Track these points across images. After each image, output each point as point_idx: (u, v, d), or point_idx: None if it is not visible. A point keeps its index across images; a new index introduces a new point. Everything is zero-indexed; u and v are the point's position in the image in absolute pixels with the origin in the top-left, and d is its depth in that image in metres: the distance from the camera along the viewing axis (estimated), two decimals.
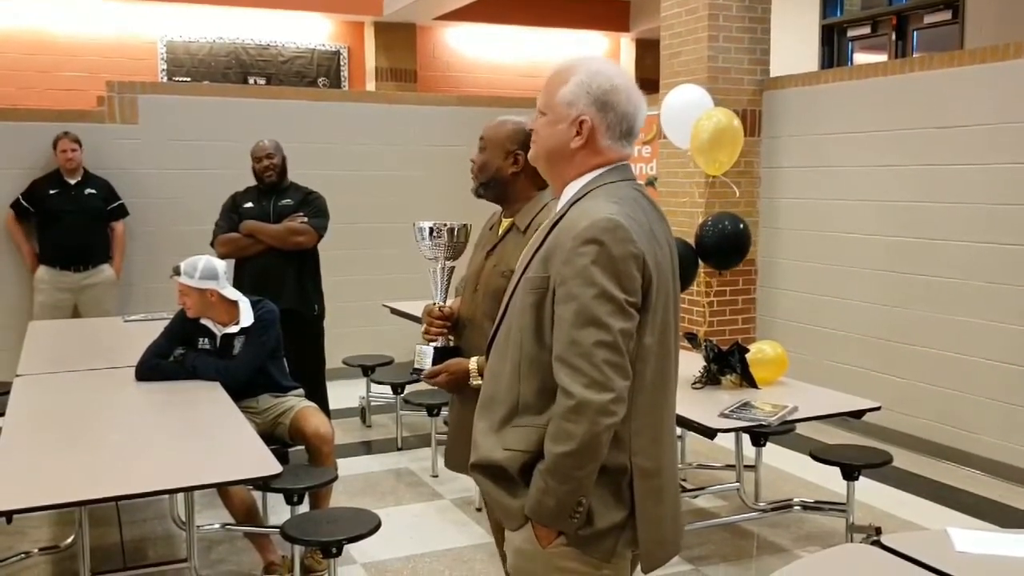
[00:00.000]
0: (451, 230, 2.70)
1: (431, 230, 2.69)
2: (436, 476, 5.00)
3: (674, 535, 2.02)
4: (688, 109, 4.88)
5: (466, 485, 4.78)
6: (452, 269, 2.74)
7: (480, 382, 2.43)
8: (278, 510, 3.95)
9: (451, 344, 2.64)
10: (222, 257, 4.60)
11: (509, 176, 2.61)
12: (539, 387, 1.89)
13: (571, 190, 1.99)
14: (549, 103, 2.00)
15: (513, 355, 1.94)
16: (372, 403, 6.10)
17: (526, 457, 1.88)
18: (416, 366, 2.65)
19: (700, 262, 4.49)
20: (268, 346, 4.01)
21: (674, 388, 2.04)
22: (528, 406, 1.90)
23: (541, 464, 1.84)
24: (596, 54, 9.90)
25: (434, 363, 2.58)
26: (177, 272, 3.93)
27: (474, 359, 2.49)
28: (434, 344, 2.63)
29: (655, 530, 1.94)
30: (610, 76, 1.95)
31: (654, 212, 1.99)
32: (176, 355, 3.90)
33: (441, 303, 2.70)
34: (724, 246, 4.47)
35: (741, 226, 4.53)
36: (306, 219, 4.97)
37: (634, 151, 2.05)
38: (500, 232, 2.64)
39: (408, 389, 5.51)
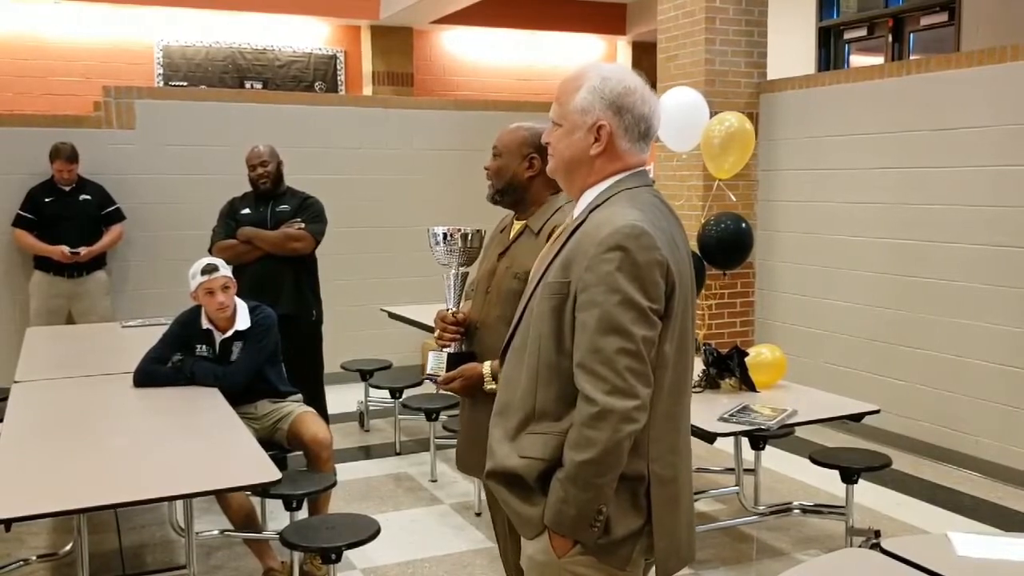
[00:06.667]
0: (464, 235, 2.69)
1: (445, 235, 2.68)
2: (435, 481, 4.99)
3: (688, 543, 2.01)
4: (683, 112, 4.88)
5: (465, 489, 4.77)
6: (465, 275, 2.73)
7: (494, 387, 2.42)
8: (277, 515, 3.94)
9: (464, 349, 2.64)
10: None
11: (525, 180, 2.61)
12: (557, 393, 1.88)
13: (589, 196, 1.98)
14: (563, 113, 1.98)
15: (530, 361, 1.92)
16: (370, 408, 6.09)
17: (543, 465, 1.87)
18: (429, 372, 2.64)
19: (706, 267, 4.50)
20: (266, 351, 4.01)
21: (689, 395, 2.04)
22: (545, 412, 1.89)
23: (560, 472, 1.83)
24: (597, 60, 9.91)
25: (448, 369, 2.58)
26: (214, 269, 3.90)
27: (487, 364, 2.49)
28: (447, 350, 2.63)
29: (671, 538, 1.93)
30: (622, 79, 1.94)
31: (673, 219, 1.98)
32: (174, 361, 3.89)
33: (454, 308, 2.69)
34: (727, 245, 4.47)
35: (743, 225, 4.54)
36: (303, 225, 4.97)
37: (649, 155, 2.03)
38: (512, 234, 2.64)
39: (406, 393, 5.50)
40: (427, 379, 2.67)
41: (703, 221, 4.77)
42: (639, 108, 1.94)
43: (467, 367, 2.54)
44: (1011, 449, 4.90)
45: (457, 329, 2.64)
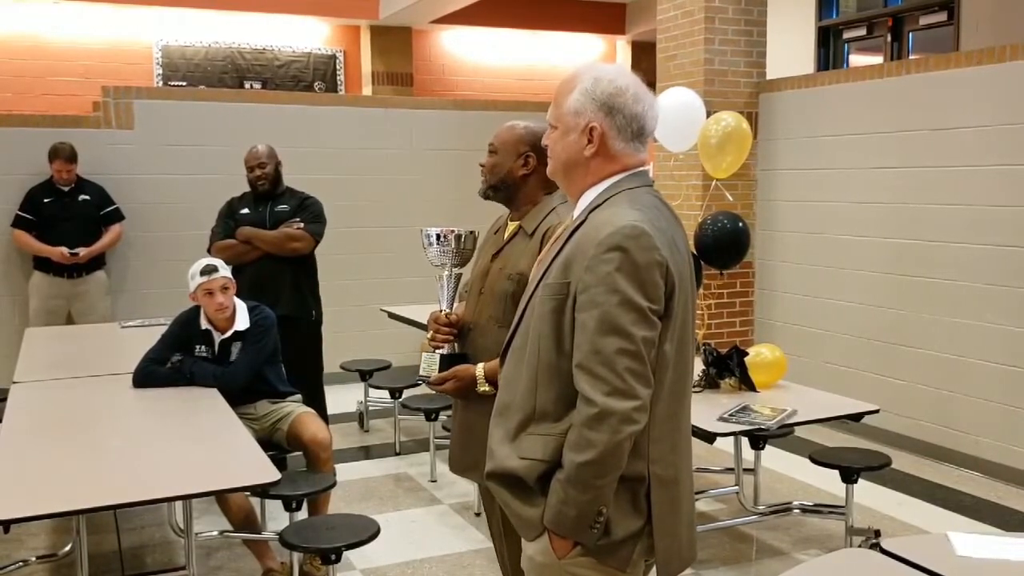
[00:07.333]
0: (458, 236, 2.69)
1: (438, 236, 2.68)
2: (434, 481, 4.99)
3: (690, 543, 2.01)
4: (679, 112, 4.88)
5: (465, 490, 4.77)
6: (459, 276, 2.73)
7: (486, 388, 2.43)
8: (277, 516, 3.94)
9: (457, 351, 2.64)
10: None
11: (520, 178, 2.61)
12: (557, 394, 1.88)
13: (588, 197, 1.98)
14: (558, 115, 1.99)
15: (530, 362, 1.92)
16: (370, 408, 6.09)
17: (543, 466, 1.87)
18: (422, 373, 2.64)
19: (704, 267, 4.49)
20: (266, 351, 4.00)
21: (690, 395, 2.03)
22: (545, 414, 1.89)
23: (560, 473, 1.83)
24: (595, 60, 9.90)
25: (441, 370, 2.58)
26: (214, 269, 3.90)
27: (480, 365, 2.49)
28: (440, 351, 2.62)
29: (672, 539, 1.93)
30: (613, 79, 1.94)
31: (673, 219, 1.98)
32: (173, 361, 3.89)
33: (448, 310, 2.69)
34: (724, 245, 4.47)
35: (740, 224, 4.53)
36: (303, 225, 4.97)
37: (648, 154, 2.03)
38: (506, 235, 2.64)
39: (406, 394, 5.50)
40: (420, 380, 2.67)
41: (700, 220, 4.77)
42: (631, 108, 1.93)
43: (460, 368, 2.54)
44: (1011, 449, 4.90)
45: (450, 330, 2.64)
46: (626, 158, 1.97)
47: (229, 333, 3.94)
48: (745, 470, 4.40)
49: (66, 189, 6.21)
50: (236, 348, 3.94)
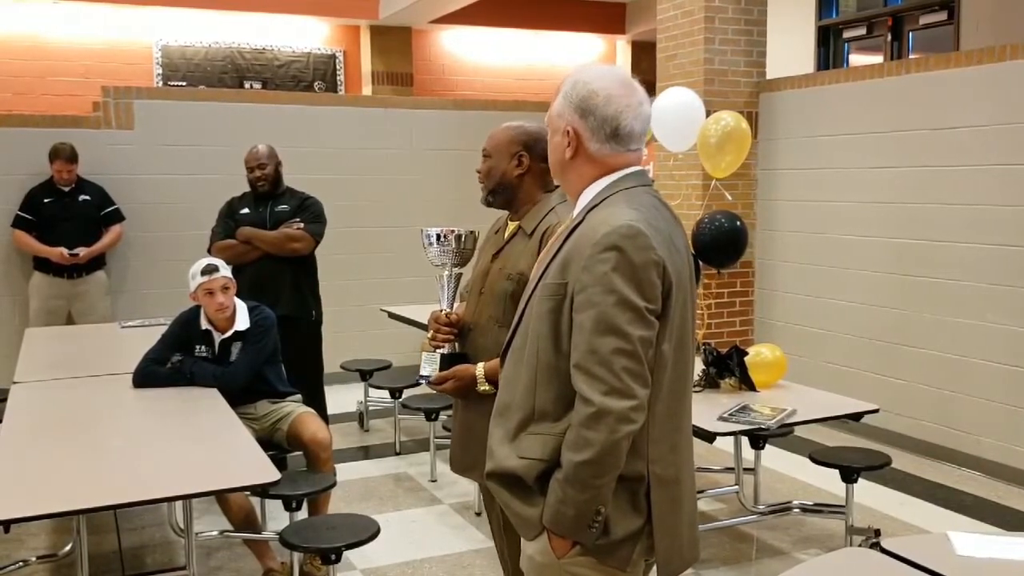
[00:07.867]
0: (458, 236, 2.69)
1: (438, 236, 2.69)
2: (435, 481, 4.99)
3: (691, 543, 2.01)
4: (679, 111, 4.88)
5: (465, 490, 4.77)
6: (459, 276, 2.73)
7: (486, 388, 2.43)
8: (277, 516, 3.94)
9: (457, 350, 2.64)
10: None
11: (515, 179, 2.60)
12: (556, 394, 1.88)
13: (587, 196, 1.99)
14: (549, 117, 2.03)
15: (530, 362, 1.93)
16: (370, 408, 6.09)
17: (542, 466, 1.87)
18: (423, 372, 2.65)
19: (703, 267, 4.49)
20: (266, 351, 4.00)
21: (690, 395, 2.03)
22: (545, 413, 1.89)
23: (559, 473, 1.83)
24: (593, 61, 9.89)
25: (441, 370, 2.58)
26: (214, 269, 3.89)
27: (480, 365, 2.50)
28: (441, 351, 2.63)
29: (672, 539, 1.93)
30: (589, 81, 1.95)
31: (672, 219, 1.98)
32: (173, 361, 3.88)
33: (448, 310, 2.69)
34: (721, 243, 4.47)
35: (738, 223, 4.53)
36: (303, 225, 4.97)
37: (640, 154, 2.02)
38: (506, 235, 2.64)
39: (406, 393, 5.50)
40: (420, 380, 2.68)
41: (698, 220, 4.77)
42: (603, 110, 1.94)
43: (460, 368, 2.54)
44: (1013, 448, 4.90)
45: (451, 330, 2.64)
46: (607, 159, 1.97)
47: (229, 333, 3.94)
48: (745, 470, 4.40)
49: (66, 189, 6.22)
50: (236, 348, 3.94)
